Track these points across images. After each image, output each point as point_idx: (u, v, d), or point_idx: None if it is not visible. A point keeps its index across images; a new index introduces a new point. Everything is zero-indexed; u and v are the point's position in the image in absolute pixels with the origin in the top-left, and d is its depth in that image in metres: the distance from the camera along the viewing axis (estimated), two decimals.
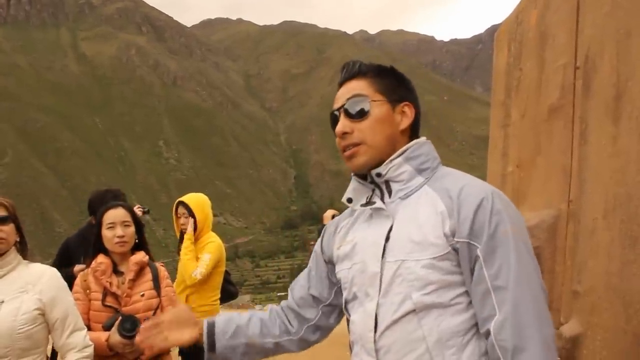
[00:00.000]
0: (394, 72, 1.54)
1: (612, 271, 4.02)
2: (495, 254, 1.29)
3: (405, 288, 1.35)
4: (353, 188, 1.51)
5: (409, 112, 1.49)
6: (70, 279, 3.77)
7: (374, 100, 1.46)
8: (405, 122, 1.47)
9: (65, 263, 3.96)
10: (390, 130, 1.46)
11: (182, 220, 4.01)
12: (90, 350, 2.46)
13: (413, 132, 1.50)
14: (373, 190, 1.49)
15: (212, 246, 3.96)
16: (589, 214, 4.71)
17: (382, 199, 1.47)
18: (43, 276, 2.39)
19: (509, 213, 1.33)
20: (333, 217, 3.64)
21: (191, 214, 3.94)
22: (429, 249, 1.33)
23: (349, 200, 1.52)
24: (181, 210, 4.00)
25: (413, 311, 1.33)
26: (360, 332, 1.42)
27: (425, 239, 1.34)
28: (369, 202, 1.49)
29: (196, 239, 4.00)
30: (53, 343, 2.44)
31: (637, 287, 3.69)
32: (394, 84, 1.50)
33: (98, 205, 3.88)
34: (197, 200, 4.04)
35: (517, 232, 1.31)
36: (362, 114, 1.45)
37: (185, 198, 4.04)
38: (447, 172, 1.45)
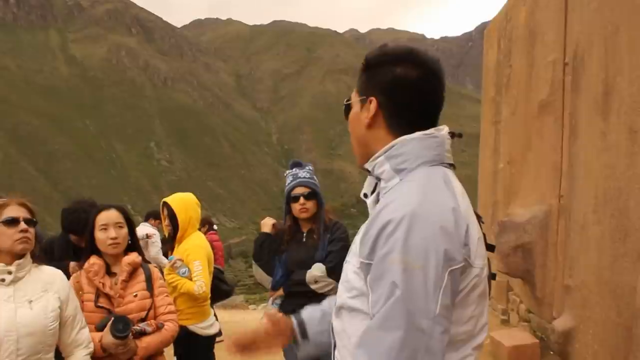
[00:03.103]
0: (372, 61, 1.46)
1: (603, 265, 4.06)
2: (380, 281, 1.20)
3: (342, 286, 1.41)
4: (368, 183, 1.51)
5: (371, 106, 1.41)
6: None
7: (348, 103, 1.51)
8: (366, 119, 1.43)
9: (47, 264, 3.96)
10: (359, 129, 1.46)
11: (166, 222, 4.03)
12: (92, 346, 2.62)
13: (398, 125, 1.40)
14: (376, 184, 1.49)
15: (198, 251, 3.92)
16: (579, 209, 4.75)
17: (378, 193, 1.46)
18: (56, 276, 2.54)
19: (410, 243, 1.18)
20: (273, 225, 3.63)
21: (172, 214, 3.95)
22: (355, 257, 1.34)
23: (365, 196, 1.51)
24: (165, 211, 4.01)
25: (344, 308, 1.38)
26: None
27: (356, 246, 1.36)
28: (365, 195, 1.51)
29: (180, 239, 4.00)
30: (62, 340, 2.52)
31: (628, 281, 3.74)
32: (369, 76, 1.45)
33: (70, 228, 3.89)
34: (180, 201, 4.01)
35: (410, 264, 1.16)
36: (347, 117, 1.52)
37: (169, 199, 4.04)
38: (409, 179, 1.33)
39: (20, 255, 2.41)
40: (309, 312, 1.72)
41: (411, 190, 1.28)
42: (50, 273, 2.53)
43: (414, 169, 1.35)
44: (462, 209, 1.29)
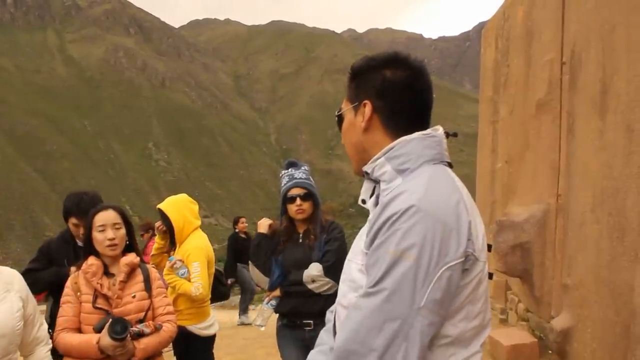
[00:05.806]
0: (359, 69, 1.49)
1: (601, 264, 4.07)
2: (374, 267, 1.25)
3: (346, 286, 1.42)
4: (365, 189, 1.51)
5: (366, 110, 1.44)
6: (59, 279, 3.74)
7: (340, 113, 1.53)
8: (362, 123, 1.45)
9: (46, 265, 3.94)
10: (356, 136, 1.48)
11: (164, 227, 4.10)
12: (51, 342, 2.63)
13: (396, 127, 1.42)
14: (374, 188, 1.49)
15: (198, 253, 3.93)
16: (577, 207, 4.76)
17: (378, 196, 1.46)
18: (14, 276, 2.50)
19: (408, 235, 1.21)
20: (270, 226, 3.62)
21: (165, 219, 3.98)
22: (360, 255, 1.37)
23: (363, 202, 1.51)
24: (160, 217, 4.08)
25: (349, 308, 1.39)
26: None
27: (359, 244, 1.39)
28: (363, 201, 1.51)
29: (180, 239, 4.01)
30: (24, 339, 2.49)
31: (626, 279, 3.74)
32: (359, 83, 1.48)
33: (73, 209, 3.87)
34: (172, 202, 4.07)
35: (403, 255, 1.20)
36: (340, 128, 1.55)
37: (161, 204, 4.08)
38: (413, 177, 1.35)
39: None
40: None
41: (417, 186, 1.29)
42: (8, 273, 2.49)
43: (417, 168, 1.36)
44: (468, 204, 1.31)
